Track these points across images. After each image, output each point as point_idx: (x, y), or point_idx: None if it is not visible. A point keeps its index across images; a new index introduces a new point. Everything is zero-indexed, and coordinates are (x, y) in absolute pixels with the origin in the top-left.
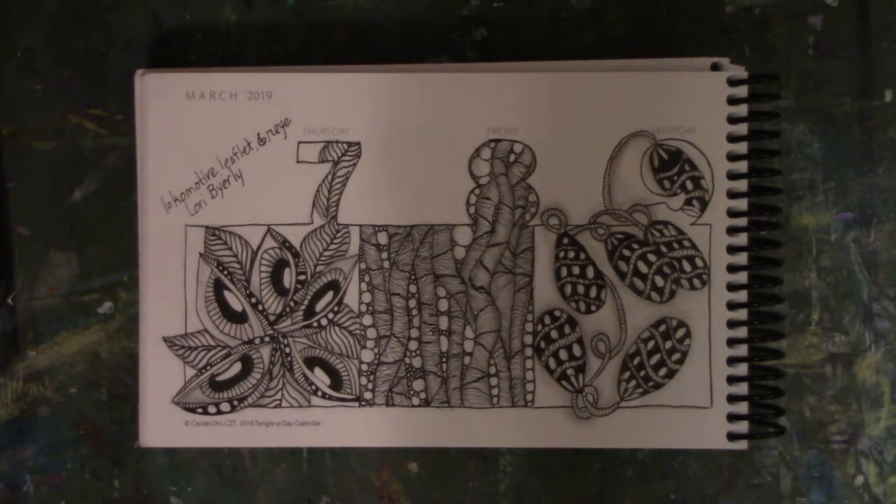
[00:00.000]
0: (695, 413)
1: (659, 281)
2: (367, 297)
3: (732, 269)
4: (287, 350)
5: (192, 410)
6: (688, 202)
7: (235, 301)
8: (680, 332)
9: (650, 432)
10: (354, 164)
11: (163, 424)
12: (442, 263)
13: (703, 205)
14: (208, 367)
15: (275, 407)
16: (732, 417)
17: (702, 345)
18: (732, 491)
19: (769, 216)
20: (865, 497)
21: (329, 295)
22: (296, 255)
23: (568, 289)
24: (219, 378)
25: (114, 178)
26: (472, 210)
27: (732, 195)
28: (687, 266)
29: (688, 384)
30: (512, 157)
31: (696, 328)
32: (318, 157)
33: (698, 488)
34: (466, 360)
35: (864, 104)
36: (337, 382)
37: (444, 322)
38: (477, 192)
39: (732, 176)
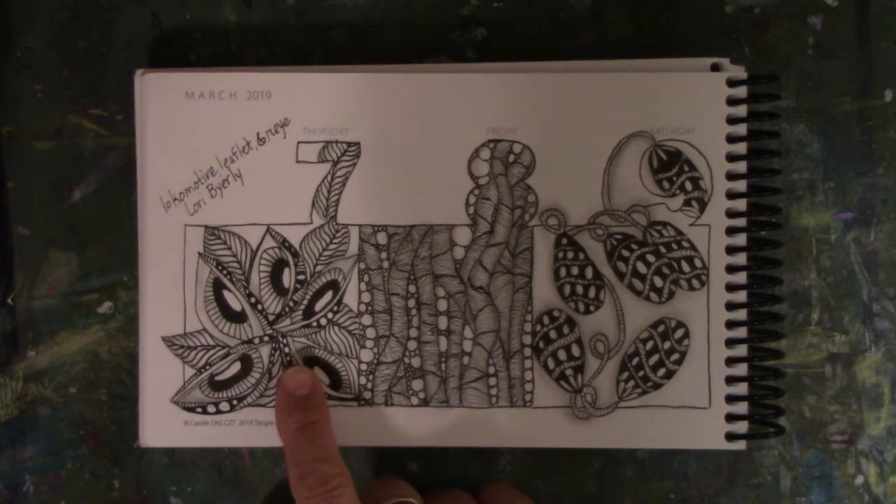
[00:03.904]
0: (693, 413)
1: (658, 281)
2: (366, 297)
3: (731, 269)
4: (286, 350)
5: (191, 410)
6: (687, 203)
7: (235, 301)
8: (678, 333)
9: (648, 432)
10: (354, 164)
11: (162, 424)
12: (441, 263)
13: (702, 205)
14: (207, 367)
15: (274, 406)
16: (731, 418)
17: (700, 345)
18: (732, 491)
19: (769, 216)
20: (865, 497)
21: (328, 295)
22: (295, 254)
23: (567, 289)
24: (218, 378)
25: (113, 178)
26: (471, 210)
27: (732, 195)
28: (686, 267)
29: (686, 384)
30: (511, 158)
31: (694, 329)
32: (317, 157)
33: (698, 488)
34: (465, 359)
35: (864, 104)
36: (336, 382)
37: (443, 322)
38: (476, 192)
39: (732, 176)
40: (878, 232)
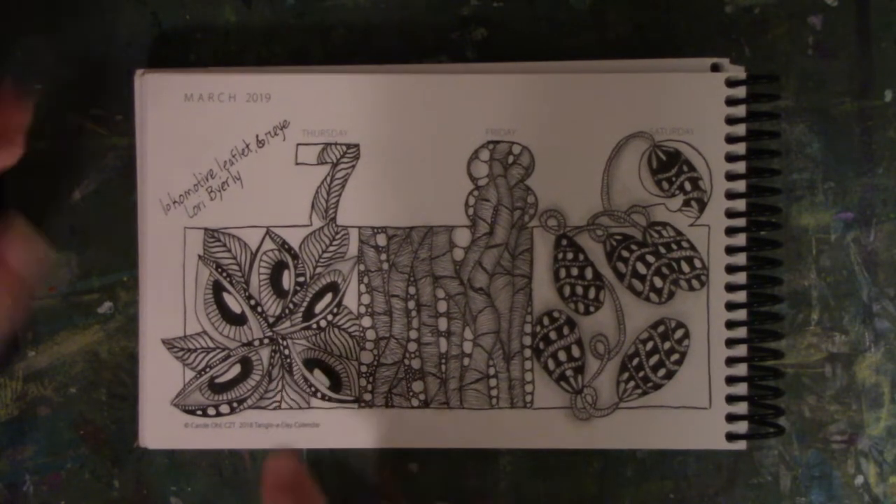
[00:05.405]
0: (693, 414)
1: (657, 282)
2: (366, 299)
3: (731, 269)
4: (286, 352)
5: (191, 412)
6: (686, 203)
7: (234, 303)
8: (678, 333)
9: (649, 433)
10: (353, 166)
11: (163, 426)
12: (441, 265)
13: (702, 206)
14: (207, 369)
15: (274, 409)
16: (731, 418)
17: (700, 345)
18: (732, 491)
19: (768, 216)
20: (865, 497)
21: (328, 297)
22: (295, 256)
23: (567, 290)
24: (218, 380)
25: (113, 178)
26: (470, 211)
27: (731, 196)
28: (685, 267)
29: (686, 385)
30: (510, 159)
31: (694, 329)
32: (316, 159)
33: (698, 488)
34: (465, 361)
35: (864, 104)
36: (336, 384)
37: (443, 323)
38: (475, 193)
39: (731, 177)
40: (878, 232)
